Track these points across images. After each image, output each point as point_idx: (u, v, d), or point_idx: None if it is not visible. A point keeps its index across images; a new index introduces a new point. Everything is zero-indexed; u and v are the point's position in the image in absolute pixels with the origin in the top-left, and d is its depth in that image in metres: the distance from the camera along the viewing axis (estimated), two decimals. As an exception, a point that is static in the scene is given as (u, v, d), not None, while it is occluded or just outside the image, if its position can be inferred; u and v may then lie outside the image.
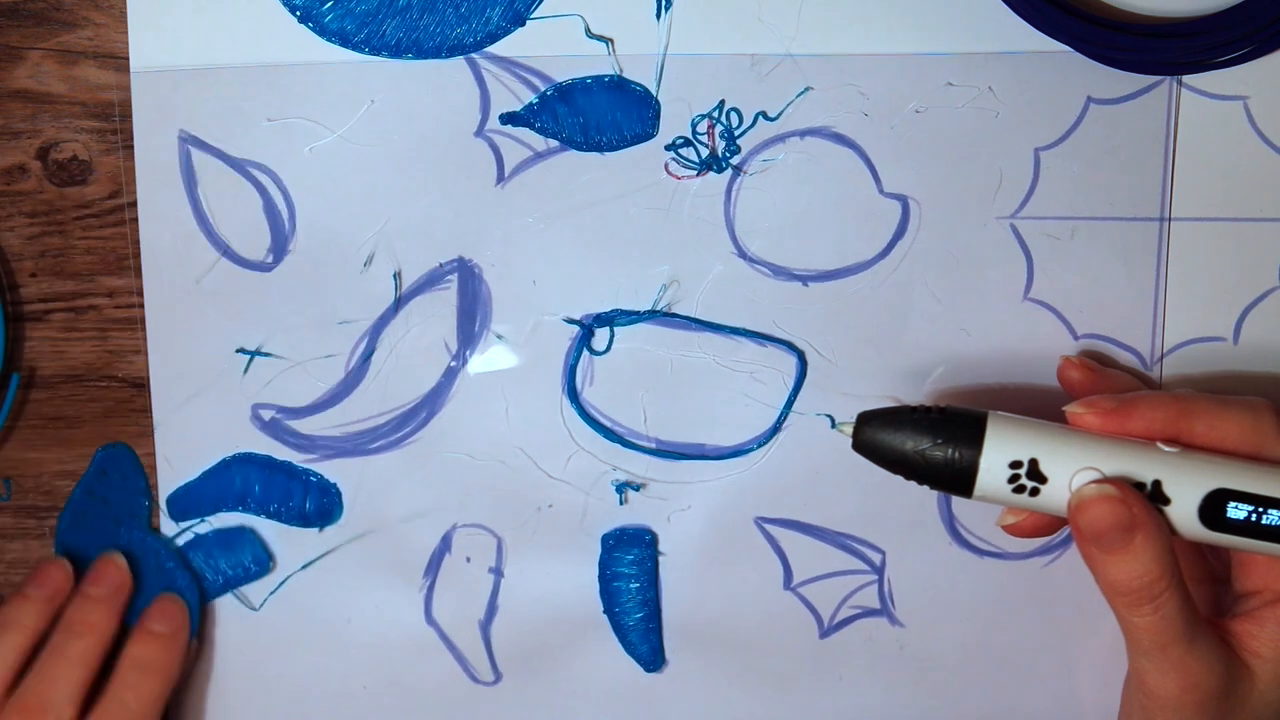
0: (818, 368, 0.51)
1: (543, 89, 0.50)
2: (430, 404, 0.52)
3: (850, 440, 0.45)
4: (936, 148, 0.49)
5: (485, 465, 0.52)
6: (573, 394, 0.52)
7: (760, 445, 0.52)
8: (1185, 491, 0.42)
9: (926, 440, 0.44)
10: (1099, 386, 0.47)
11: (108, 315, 0.52)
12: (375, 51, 0.49)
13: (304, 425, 0.52)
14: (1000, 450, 0.43)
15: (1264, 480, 0.42)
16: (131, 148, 0.51)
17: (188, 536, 0.53)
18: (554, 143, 0.50)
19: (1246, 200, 0.49)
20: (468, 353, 0.52)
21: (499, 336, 0.51)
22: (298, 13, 0.49)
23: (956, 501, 0.52)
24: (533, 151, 0.50)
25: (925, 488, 0.45)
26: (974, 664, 0.53)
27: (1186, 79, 0.49)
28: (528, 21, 0.49)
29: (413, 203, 0.51)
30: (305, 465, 0.53)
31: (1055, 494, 0.43)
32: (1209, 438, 0.43)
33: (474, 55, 0.49)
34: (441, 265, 0.51)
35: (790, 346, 0.51)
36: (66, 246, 0.52)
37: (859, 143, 0.50)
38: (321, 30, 0.49)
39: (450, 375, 0.52)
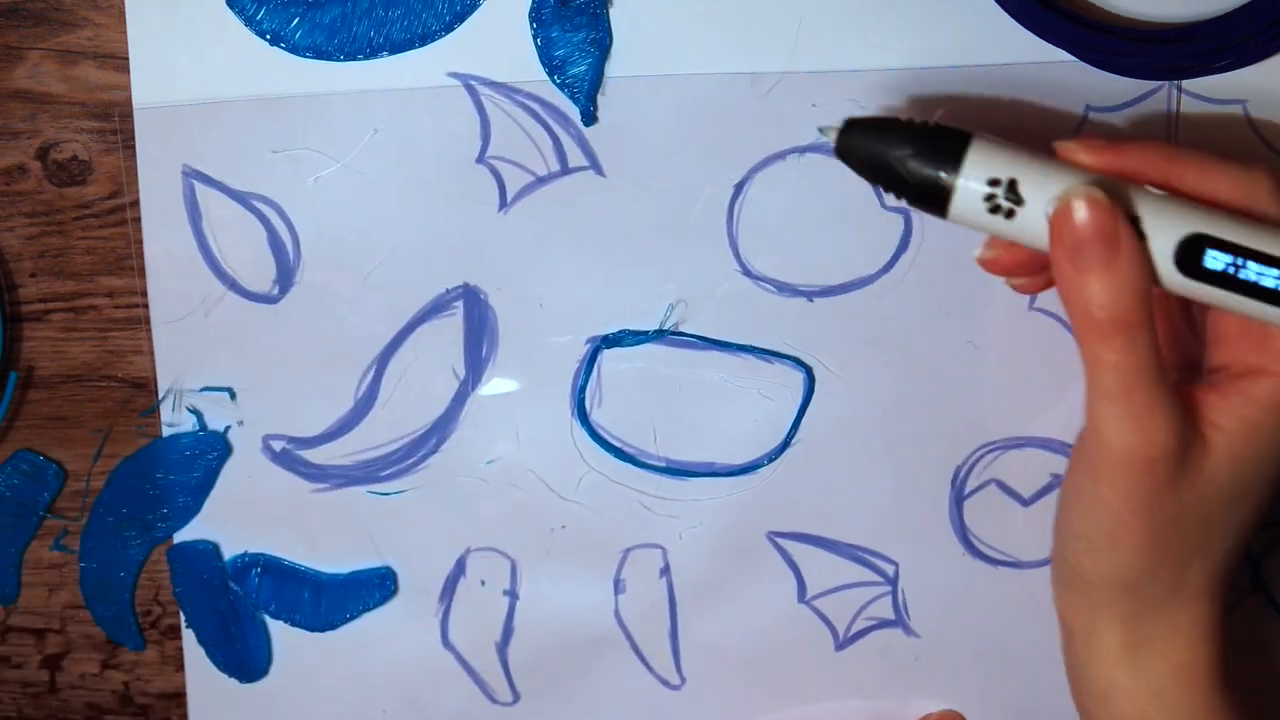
0: (825, 383, 0.51)
1: (543, 114, 0.50)
2: (440, 430, 0.52)
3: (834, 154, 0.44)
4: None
5: (497, 488, 0.53)
6: (582, 415, 0.52)
7: (770, 461, 0.52)
8: (1163, 231, 0.40)
9: (909, 149, 0.42)
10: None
11: (108, 315, 0.52)
12: (350, 57, 0.49)
13: (315, 455, 0.53)
14: (981, 166, 0.41)
15: (1248, 232, 0.40)
16: (132, 148, 0.51)
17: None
18: (555, 166, 0.50)
19: (1250, 204, 0.49)
20: (476, 377, 0.52)
21: (506, 360, 0.52)
22: (267, 36, 0.49)
23: (967, 510, 0.52)
24: (534, 176, 0.50)
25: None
26: (990, 673, 0.53)
27: (1186, 84, 0.49)
28: None
29: (417, 230, 0.51)
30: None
31: (1032, 218, 0.41)
32: (1199, 187, 0.41)
33: (473, 83, 0.49)
34: (447, 291, 0.51)
35: (797, 362, 0.51)
36: (66, 246, 0.52)
37: (860, 157, 0.50)
38: (294, 48, 0.49)
39: (459, 400, 0.52)
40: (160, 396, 0.52)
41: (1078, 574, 0.45)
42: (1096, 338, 0.41)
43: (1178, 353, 0.47)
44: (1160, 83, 0.49)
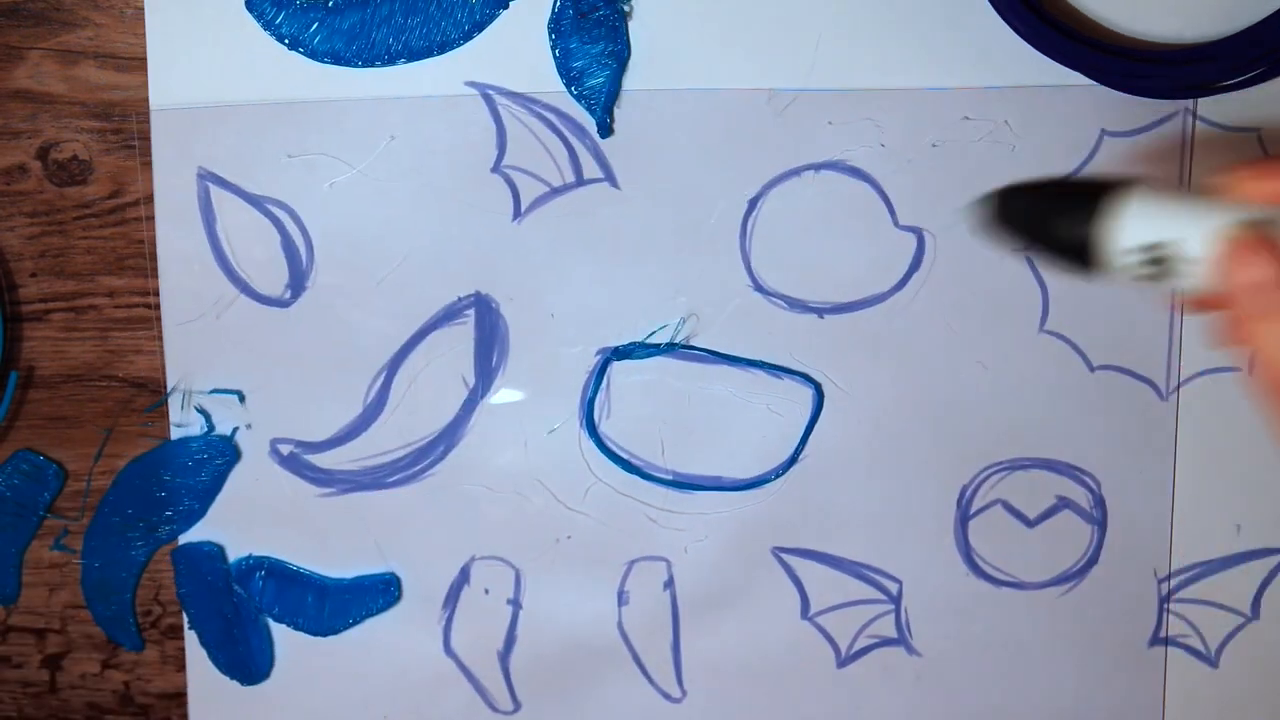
0: (833, 399, 0.51)
1: (559, 125, 0.50)
2: (448, 437, 0.52)
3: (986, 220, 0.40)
4: (952, 181, 0.50)
5: (503, 497, 0.53)
6: (591, 426, 0.52)
7: (777, 476, 0.52)
8: None
9: (1060, 219, 0.38)
10: None
11: (108, 315, 0.52)
12: (368, 63, 0.49)
13: (322, 459, 0.53)
14: (1133, 232, 0.37)
15: None
16: (135, 147, 0.51)
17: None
18: (570, 177, 0.50)
19: (1261, 231, 0.49)
20: (485, 386, 0.52)
21: (516, 369, 0.52)
22: (286, 41, 0.49)
23: (973, 529, 0.52)
24: (549, 187, 0.50)
25: None
26: (990, 694, 0.53)
27: (1200, 110, 0.49)
28: (511, 3, 0.49)
29: (430, 238, 0.51)
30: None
31: (1196, 274, 0.37)
32: None
33: (491, 92, 0.50)
34: (459, 299, 0.51)
35: (806, 378, 0.51)
36: (66, 246, 0.52)
37: (875, 176, 0.50)
38: (313, 54, 0.49)
39: (468, 408, 0.52)
40: (166, 395, 0.52)
41: None
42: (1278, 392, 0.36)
43: None
44: (1175, 109, 0.49)
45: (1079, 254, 0.38)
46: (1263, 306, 0.35)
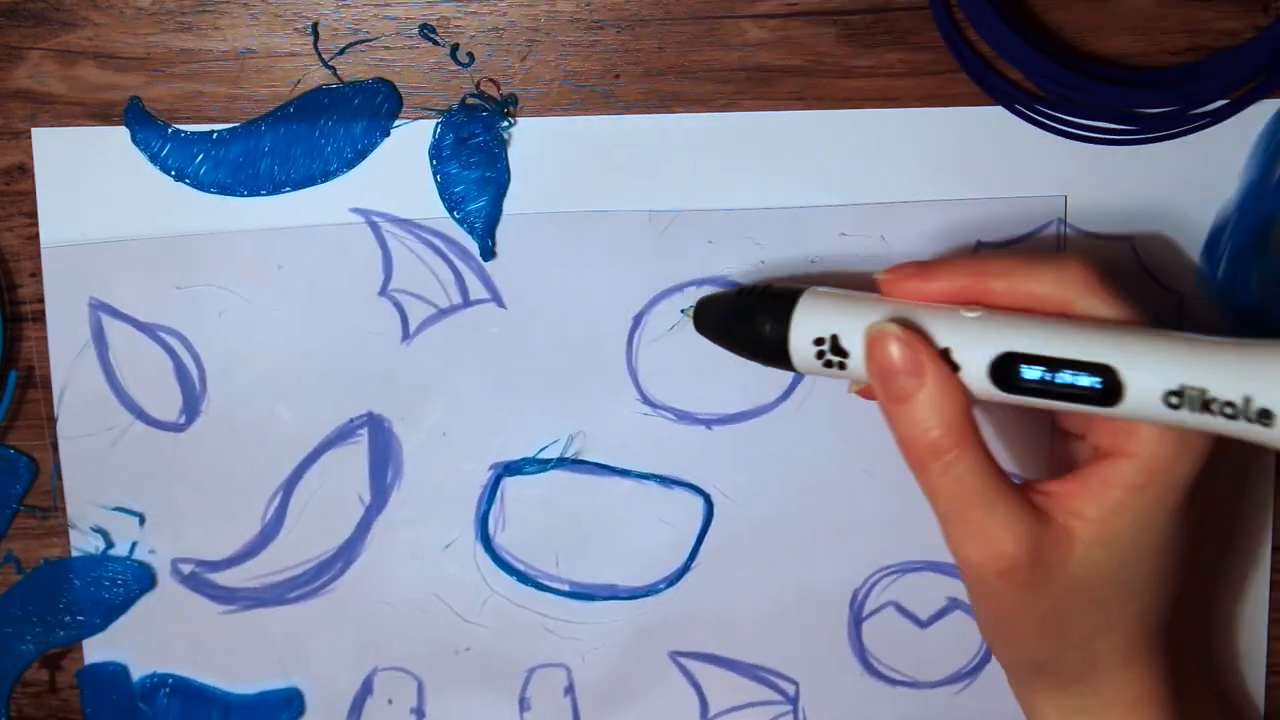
0: (724, 508, 0.52)
1: (444, 248, 0.51)
2: (346, 554, 0.53)
3: (695, 331, 0.49)
4: (831, 296, 0.50)
5: (403, 612, 0.53)
6: (485, 540, 0.53)
7: (670, 585, 0.53)
8: (973, 356, 0.41)
9: (751, 320, 0.45)
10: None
11: None
12: (254, 193, 0.50)
13: (223, 578, 0.53)
14: (804, 327, 0.44)
15: (1056, 339, 0.40)
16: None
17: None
18: (457, 299, 0.51)
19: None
20: (381, 503, 0.53)
21: (410, 487, 0.52)
22: (172, 173, 0.50)
23: (866, 631, 0.53)
24: (436, 308, 0.51)
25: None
26: (886, 794, 0.54)
27: (1071, 219, 0.50)
28: (393, 131, 0.50)
29: (321, 361, 0.51)
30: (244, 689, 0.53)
31: (860, 365, 0.43)
32: (1010, 297, 0.42)
33: (376, 219, 0.50)
34: (352, 420, 0.52)
35: (696, 489, 0.52)
36: None
37: (756, 291, 0.51)
38: (199, 184, 0.50)
39: (364, 525, 0.53)
40: (69, 521, 0.53)
41: (999, 662, 0.46)
42: (919, 465, 0.42)
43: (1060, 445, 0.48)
44: (1049, 218, 0.50)
45: (769, 352, 0.45)
46: (893, 392, 0.41)
